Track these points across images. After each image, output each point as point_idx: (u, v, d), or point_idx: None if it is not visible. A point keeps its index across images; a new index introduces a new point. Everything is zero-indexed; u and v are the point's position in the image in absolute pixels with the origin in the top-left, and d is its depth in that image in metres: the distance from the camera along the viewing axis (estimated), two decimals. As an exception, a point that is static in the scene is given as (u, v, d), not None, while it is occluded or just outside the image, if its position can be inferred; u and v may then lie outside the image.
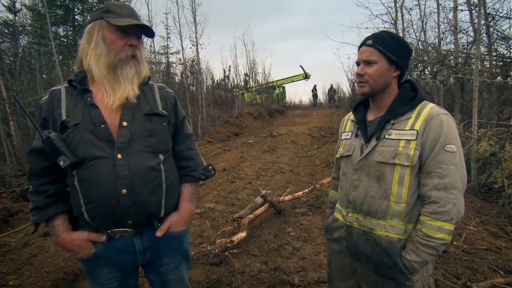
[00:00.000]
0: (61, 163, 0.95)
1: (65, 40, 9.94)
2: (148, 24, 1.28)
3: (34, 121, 1.04)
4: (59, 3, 8.95)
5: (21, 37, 10.40)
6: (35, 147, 1.04)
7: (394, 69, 1.09)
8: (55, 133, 0.97)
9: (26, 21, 10.64)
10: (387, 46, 1.06)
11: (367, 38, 1.10)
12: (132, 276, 1.18)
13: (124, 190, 0.97)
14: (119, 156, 0.98)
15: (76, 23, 9.57)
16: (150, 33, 1.09)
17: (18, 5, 10.10)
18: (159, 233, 1.10)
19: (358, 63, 1.12)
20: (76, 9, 9.49)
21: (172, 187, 1.12)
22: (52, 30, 7.98)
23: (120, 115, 1.02)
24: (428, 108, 1.05)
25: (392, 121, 1.07)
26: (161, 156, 1.08)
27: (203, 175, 1.23)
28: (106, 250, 1.04)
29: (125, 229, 1.03)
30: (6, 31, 10.22)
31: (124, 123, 1.01)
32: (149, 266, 1.16)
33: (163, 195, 1.07)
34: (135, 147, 1.01)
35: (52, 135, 0.96)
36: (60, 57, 9.08)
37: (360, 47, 1.13)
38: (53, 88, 1.08)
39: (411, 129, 1.03)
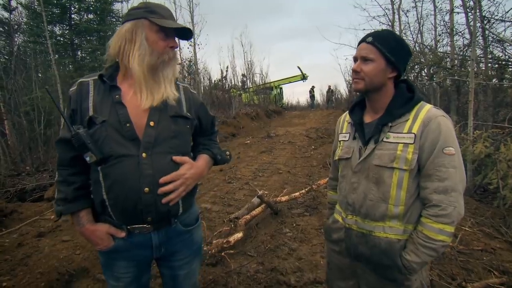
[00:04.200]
0: (88, 158, 0.97)
1: (61, 39, 9.86)
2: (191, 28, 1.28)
3: (63, 113, 1.04)
4: (55, 1, 8.88)
5: (16, 35, 10.32)
6: (63, 137, 1.04)
7: (391, 69, 1.06)
8: (84, 129, 0.97)
9: (22, 19, 10.56)
10: (387, 45, 1.03)
11: (368, 35, 1.07)
12: (145, 274, 1.20)
13: (146, 189, 0.99)
14: (143, 155, 0.99)
15: (72, 22, 9.51)
16: (188, 37, 1.09)
17: (13, 3, 10.03)
18: (176, 158, 1.05)
19: (355, 59, 1.09)
20: (72, 8, 9.42)
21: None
22: (48, 28, 7.91)
23: (148, 115, 1.02)
24: (425, 110, 1.03)
25: (389, 124, 1.06)
26: None
27: (219, 155, 1.24)
28: (125, 244, 1.07)
29: (144, 225, 1.05)
30: (1, 29, 10.12)
31: (151, 123, 1.02)
32: (163, 260, 1.19)
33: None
34: (159, 147, 1.02)
35: (81, 131, 0.96)
36: (56, 56, 9.01)
37: (359, 43, 1.10)
38: (82, 79, 1.07)
39: (409, 132, 1.02)
